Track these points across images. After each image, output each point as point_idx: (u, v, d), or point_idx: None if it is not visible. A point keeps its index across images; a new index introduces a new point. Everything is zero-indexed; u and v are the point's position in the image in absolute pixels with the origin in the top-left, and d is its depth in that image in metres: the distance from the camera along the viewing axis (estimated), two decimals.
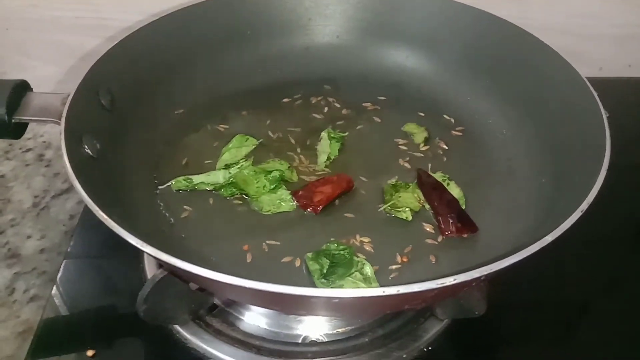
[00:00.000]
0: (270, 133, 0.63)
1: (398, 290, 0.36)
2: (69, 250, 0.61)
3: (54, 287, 0.58)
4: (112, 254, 0.60)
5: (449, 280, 0.37)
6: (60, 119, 0.49)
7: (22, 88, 0.53)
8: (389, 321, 0.53)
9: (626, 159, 0.69)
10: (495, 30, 0.64)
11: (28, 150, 0.80)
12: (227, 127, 0.64)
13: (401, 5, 0.68)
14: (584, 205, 0.43)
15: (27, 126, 0.54)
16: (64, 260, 0.60)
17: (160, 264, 0.45)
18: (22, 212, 0.71)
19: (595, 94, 0.54)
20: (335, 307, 0.40)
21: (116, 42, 0.56)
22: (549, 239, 0.40)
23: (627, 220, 0.67)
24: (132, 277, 0.57)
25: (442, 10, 0.66)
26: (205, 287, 0.46)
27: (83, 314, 0.56)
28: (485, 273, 0.37)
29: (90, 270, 0.61)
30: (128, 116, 0.58)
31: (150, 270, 0.57)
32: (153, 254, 0.39)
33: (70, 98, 0.51)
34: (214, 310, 0.54)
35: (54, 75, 0.82)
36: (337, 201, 0.56)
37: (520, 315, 0.56)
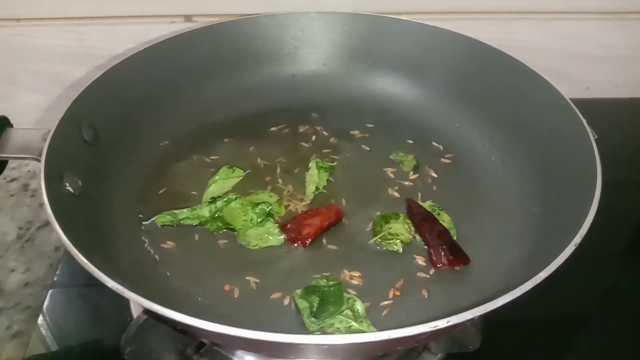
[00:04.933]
0: (257, 162, 0.62)
1: (390, 336, 0.35)
2: (55, 279, 0.60)
3: (40, 318, 0.56)
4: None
5: (442, 323, 0.36)
6: (40, 156, 0.48)
7: (1, 124, 0.52)
8: (383, 357, 0.51)
9: (615, 177, 0.69)
10: (481, 57, 0.64)
11: (12, 180, 0.78)
12: (214, 157, 0.63)
13: (387, 32, 0.68)
14: (577, 239, 0.42)
15: (6, 163, 0.53)
16: (50, 290, 0.59)
17: None
18: (6, 245, 0.69)
19: (584, 120, 0.54)
20: (326, 352, 0.39)
21: (97, 77, 0.56)
22: (542, 275, 0.40)
23: (619, 238, 0.66)
24: (119, 307, 0.55)
25: (429, 37, 0.66)
26: (190, 332, 0.45)
27: (68, 350, 0.54)
28: (478, 314, 0.37)
29: (77, 299, 0.59)
30: (111, 150, 0.57)
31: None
32: (135, 300, 0.38)
33: (51, 134, 0.50)
34: (202, 349, 0.52)
35: (39, 103, 0.81)
36: (325, 233, 0.55)
37: (515, 338, 0.55)
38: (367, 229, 0.55)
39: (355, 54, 0.70)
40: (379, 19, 0.68)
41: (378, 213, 0.56)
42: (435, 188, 0.60)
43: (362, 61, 0.70)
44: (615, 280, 0.62)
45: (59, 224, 0.42)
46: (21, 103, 0.80)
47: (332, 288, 0.48)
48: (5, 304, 0.62)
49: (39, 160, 0.48)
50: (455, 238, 0.54)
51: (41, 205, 0.74)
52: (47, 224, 0.72)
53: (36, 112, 0.81)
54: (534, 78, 0.59)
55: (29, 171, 0.79)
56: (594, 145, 0.51)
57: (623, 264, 0.64)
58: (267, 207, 0.55)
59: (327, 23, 0.69)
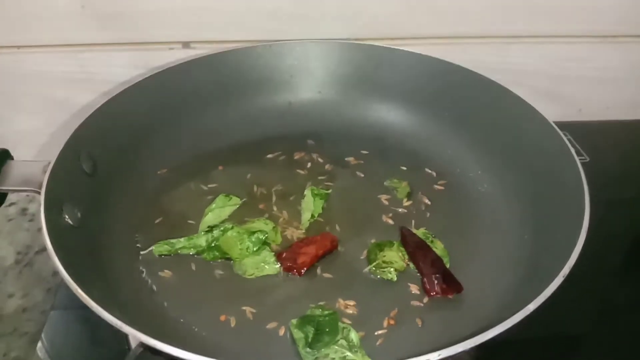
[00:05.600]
0: (254, 190, 0.63)
1: None
2: (54, 302, 0.60)
3: (39, 342, 0.56)
4: None
5: (434, 357, 0.37)
6: (40, 189, 0.49)
7: (2, 157, 0.53)
8: None
9: (607, 197, 0.70)
10: (472, 85, 0.65)
11: (11, 204, 0.79)
12: (211, 185, 0.63)
13: (382, 61, 0.69)
14: (566, 270, 0.43)
15: (6, 195, 0.54)
16: (51, 312, 0.59)
17: None
18: (4, 270, 0.69)
19: (572, 148, 0.55)
20: None
21: (96, 108, 0.57)
22: (531, 307, 0.41)
23: (613, 257, 0.66)
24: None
25: (422, 66, 0.68)
26: None
27: None
28: (469, 347, 0.38)
29: (76, 322, 0.59)
30: (109, 180, 0.58)
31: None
32: (132, 334, 0.39)
33: (50, 166, 0.51)
34: None
35: (41, 128, 0.81)
36: (321, 262, 0.55)
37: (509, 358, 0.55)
38: (362, 257, 0.56)
39: (350, 82, 0.71)
40: (374, 48, 0.70)
41: (373, 240, 0.57)
42: (428, 215, 0.61)
43: (357, 89, 0.71)
44: (610, 298, 0.62)
45: (59, 258, 0.43)
46: (22, 128, 0.81)
47: (327, 318, 0.49)
48: (3, 329, 0.62)
49: (39, 193, 0.49)
50: (448, 265, 0.54)
51: (39, 230, 0.75)
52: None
53: (38, 137, 0.82)
54: (522, 106, 0.61)
55: (27, 195, 0.80)
56: (582, 172, 0.52)
57: (618, 282, 0.64)
58: (263, 236, 0.56)
59: (322, 51, 0.70)
